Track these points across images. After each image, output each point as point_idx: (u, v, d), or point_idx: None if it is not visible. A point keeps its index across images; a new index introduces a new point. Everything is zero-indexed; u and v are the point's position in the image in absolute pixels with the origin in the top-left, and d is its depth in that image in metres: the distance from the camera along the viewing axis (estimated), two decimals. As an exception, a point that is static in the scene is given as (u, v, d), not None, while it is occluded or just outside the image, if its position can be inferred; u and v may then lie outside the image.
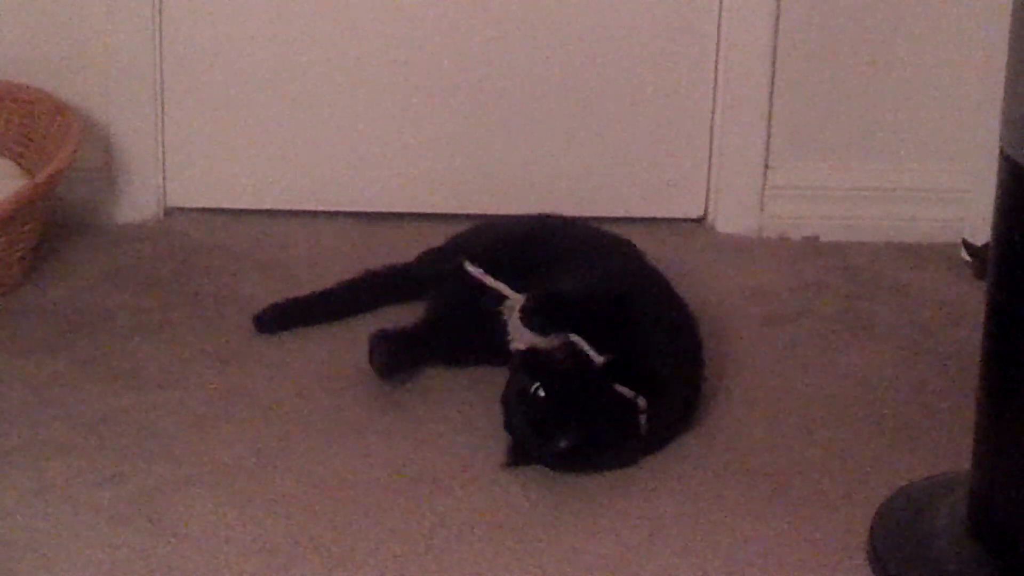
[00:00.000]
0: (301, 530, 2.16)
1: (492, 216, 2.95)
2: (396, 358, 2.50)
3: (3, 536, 2.14)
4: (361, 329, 2.62)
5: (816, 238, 3.10)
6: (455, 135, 3.09)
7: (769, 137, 3.07)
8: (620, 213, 3.10)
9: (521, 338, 2.40)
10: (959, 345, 2.68)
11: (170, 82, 3.05)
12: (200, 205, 3.11)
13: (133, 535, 2.14)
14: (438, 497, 2.25)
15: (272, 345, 2.64)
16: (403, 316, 2.64)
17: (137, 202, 3.08)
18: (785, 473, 2.33)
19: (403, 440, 2.38)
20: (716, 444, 2.39)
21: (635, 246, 2.70)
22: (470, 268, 2.55)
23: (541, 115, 3.08)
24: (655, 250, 2.81)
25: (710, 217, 3.13)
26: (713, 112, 3.08)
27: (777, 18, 3.00)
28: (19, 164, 2.97)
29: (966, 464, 2.11)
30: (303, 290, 2.76)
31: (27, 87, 3.00)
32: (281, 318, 2.69)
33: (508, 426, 2.31)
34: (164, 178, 3.09)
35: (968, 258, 2.98)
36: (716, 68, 3.06)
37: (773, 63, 3.02)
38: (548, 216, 2.80)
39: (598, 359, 2.31)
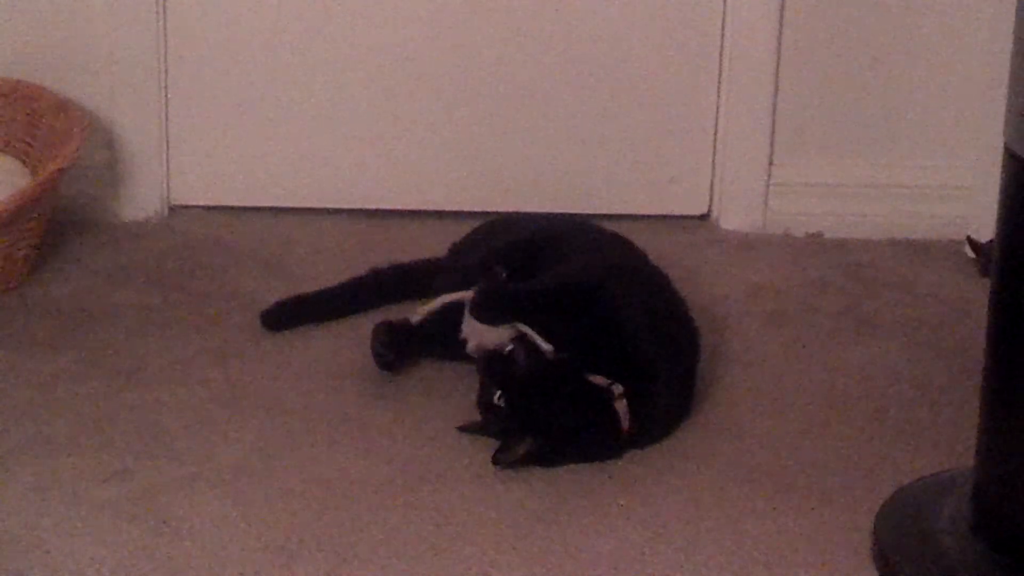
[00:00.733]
0: (304, 527, 2.16)
1: (493, 214, 2.95)
2: (396, 349, 2.51)
3: (7, 533, 2.14)
4: (364, 327, 2.62)
5: (820, 235, 3.10)
6: (458, 133, 3.09)
7: (773, 134, 3.07)
8: (624, 210, 3.10)
9: (473, 331, 2.42)
10: (963, 342, 2.67)
11: (174, 80, 3.05)
12: (203, 203, 3.12)
13: (137, 532, 2.14)
14: (441, 494, 2.25)
15: (275, 342, 2.64)
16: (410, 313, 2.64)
17: (141, 200, 3.08)
18: (789, 470, 2.32)
19: (406, 437, 2.38)
20: (719, 441, 2.39)
21: (630, 243, 2.68)
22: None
23: (544, 112, 3.08)
24: (659, 247, 2.81)
25: (714, 214, 3.13)
26: (717, 109, 3.08)
27: (781, 15, 3.00)
28: (23, 162, 2.97)
29: (970, 461, 2.11)
30: (306, 287, 2.76)
31: (31, 85, 3.00)
32: (288, 315, 2.69)
33: (484, 431, 2.34)
34: (168, 176, 3.09)
35: (972, 255, 2.98)
36: (720, 65, 3.06)
37: (777, 60, 3.02)
38: (552, 217, 2.81)
39: (547, 348, 2.32)
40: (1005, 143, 1.95)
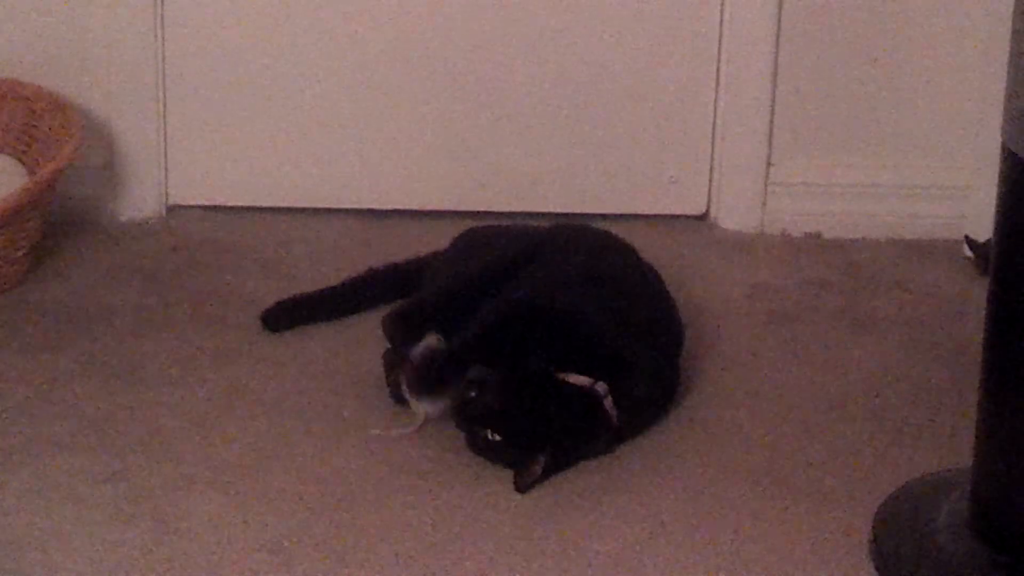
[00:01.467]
0: (303, 527, 2.16)
1: (492, 214, 2.95)
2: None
3: (5, 534, 2.14)
4: (362, 327, 2.62)
5: (818, 234, 3.10)
6: (457, 132, 3.09)
7: (771, 134, 3.07)
8: (623, 210, 3.10)
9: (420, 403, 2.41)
10: (961, 341, 2.67)
11: (172, 79, 3.05)
12: (202, 203, 3.11)
13: (135, 533, 2.14)
14: (440, 494, 2.25)
15: (274, 343, 2.64)
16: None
17: (139, 200, 3.08)
18: (787, 469, 2.32)
19: (404, 437, 2.38)
20: (717, 441, 2.39)
21: (610, 242, 2.66)
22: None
23: (543, 112, 3.08)
24: (657, 247, 2.81)
25: (712, 214, 3.13)
26: (715, 109, 3.08)
27: (779, 15, 3.00)
28: (21, 162, 2.97)
29: (968, 460, 2.11)
30: (305, 287, 2.76)
31: (29, 85, 3.00)
32: (287, 316, 2.69)
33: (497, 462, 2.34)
34: (166, 176, 3.09)
35: (971, 254, 2.98)
36: (718, 65, 3.05)
37: (775, 60, 3.02)
38: (525, 229, 2.77)
39: (443, 345, 2.36)
40: (1003, 142, 1.95)
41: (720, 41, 3.04)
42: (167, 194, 3.10)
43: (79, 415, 2.42)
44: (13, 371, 2.54)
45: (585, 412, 2.31)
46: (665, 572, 2.10)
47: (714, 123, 3.08)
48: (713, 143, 3.09)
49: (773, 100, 3.05)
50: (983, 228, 2.88)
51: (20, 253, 2.79)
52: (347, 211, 3.11)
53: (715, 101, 3.07)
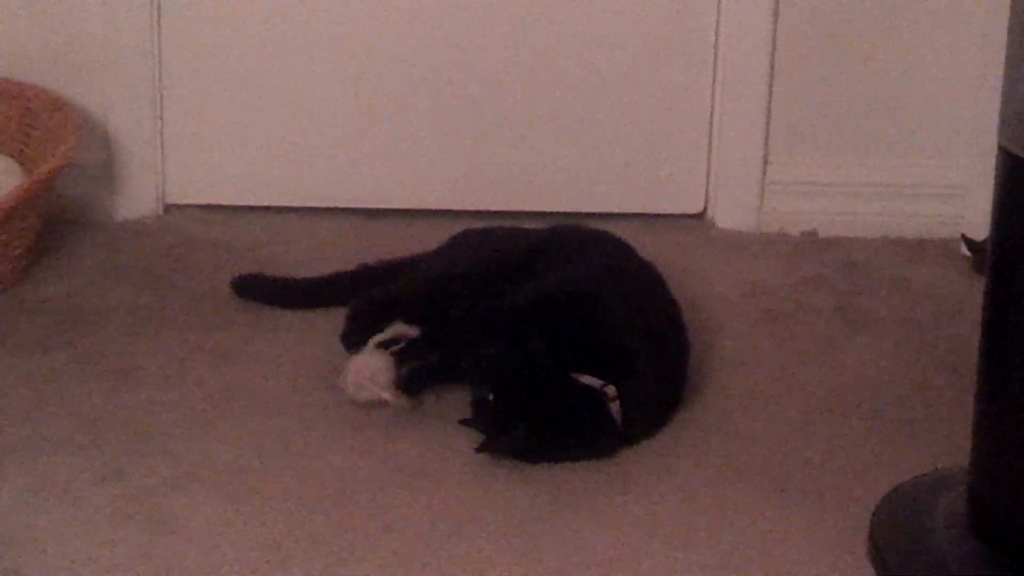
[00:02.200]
0: (300, 526, 2.16)
1: (489, 212, 2.95)
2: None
3: (2, 534, 2.13)
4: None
5: (815, 233, 3.10)
6: (454, 131, 3.09)
7: (768, 133, 3.07)
8: (620, 209, 3.10)
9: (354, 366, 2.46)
10: (958, 340, 2.67)
11: (169, 78, 3.05)
12: (199, 202, 3.12)
13: (132, 532, 2.14)
14: (437, 492, 2.25)
15: (270, 342, 2.64)
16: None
17: (136, 199, 3.08)
18: (784, 469, 2.32)
19: (402, 436, 2.38)
20: (714, 440, 2.39)
21: (611, 242, 2.67)
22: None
23: (540, 111, 3.08)
24: (654, 246, 2.81)
25: (709, 213, 3.13)
26: (712, 108, 3.08)
27: (776, 14, 3.00)
28: (18, 161, 2.97)
29: (965, 459, 2.11)
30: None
31: (25, 84, 3.00)
32: (259, 288, 2.73)
33: (478, 426, 2.36)
34: (163, 174, 3.10)
35: (968, 253, 2.98)
36: (715, 64, 3.06)
37: (772, 59, 3.03)
38: (522, 231, 2.78)
39: (414, 333, 2.40)
40: (999, 141, 1.95)
41: (717, 40, 3.04)
42: (164, 193, 3.10)
43: (76, 414, 2.42)
44: (10, 370, 2.53)
45: (589, 412, 2.31)
46: (662, 571, 2.10)
47: (711, 122, 3.09)
48: (710, 142, 3.10)
49: (770, 99, 3.05)
50: (980, 227, 2.88)
51: (17, 252, 2.79)
52: (344, 210, 3.11)
53: (712, 100, 3.08)
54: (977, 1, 2.98)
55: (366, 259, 2.81)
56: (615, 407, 2.31)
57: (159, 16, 3.02)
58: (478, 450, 2.30)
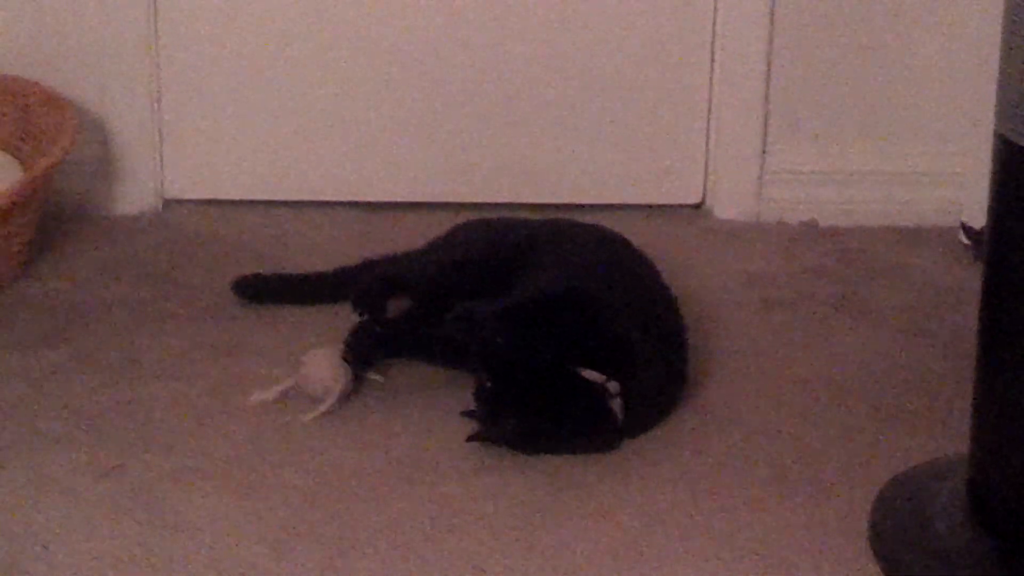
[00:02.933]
0: (300, 520, 2.16)
1: (487, 205, 2.95)
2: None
3: (3, 529, 2.14)
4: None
5: (814, 222, 3.10)
6: (453, 124, 3.09)
7: (766, 122, 3.07)
8: (618, 200, 3.10)
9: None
10: (958, 328, 2.67)
11: (166, 73, 3.05)
12: (197, 197, 3.12)
13: (132, 527, 2.14)
14: (437, 486, 2.25)
15: (270, 336, 2.64)
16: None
17: (134, 194, 3.08)
18: (784, 458, 2.32)
19: (402, 430, 2.38)
20: (714, 430, 2.39)
21: (607, 237, 2.66)
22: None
23: (538, 103, 3.08)
24: (653, 237, 2.81)
25: (708, 203, 3.13)
26: (710, 98, 3.08)
27: (773, 2, 3.00)
28: (15, 157, 2.97)
29: (965, 447, 2.11)
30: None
31: (22, 80, 3.00)
32: (261, 288, 2.71)
33: (478, 416, 2.36)
34: (161, 170, 3.09)
35: (967, 241, 2.98)
36: (713, 54, 3.05)
37: (769, 48, 3.02)
38: (519, 224, 2.77)
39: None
40: (996, 128, 1.95)
41: (714, 29, 3.04)
42: (163, 188, 3.10)
43: (76, 410, 2.42)
44: (9, 366, 2.54)
45: (590, 406, 2.31)
46: (662, 562, 2.10)
47: (709, 112, 3.09)
48: (708, 132, 3.10)
49: (768, 88, 3.05)
50: (979, 215, 2.88)
51: (15, 248, 2.79)
52: (343, 204, 3.11)
53: (710, 90, 3.07)
54: (974, -11, 2.98)
55: (365, 252, 2.81)
56: (617, 403, 2.31)
57: (156, 11, 3.02)
58: (469, 439, 2.30)
